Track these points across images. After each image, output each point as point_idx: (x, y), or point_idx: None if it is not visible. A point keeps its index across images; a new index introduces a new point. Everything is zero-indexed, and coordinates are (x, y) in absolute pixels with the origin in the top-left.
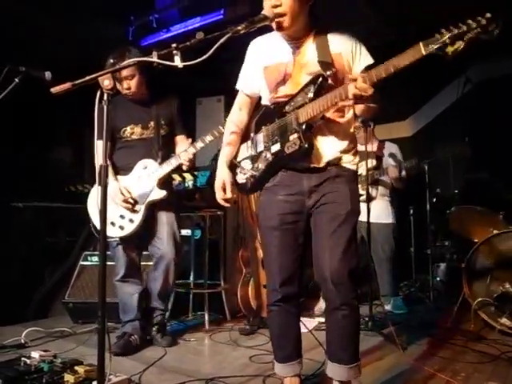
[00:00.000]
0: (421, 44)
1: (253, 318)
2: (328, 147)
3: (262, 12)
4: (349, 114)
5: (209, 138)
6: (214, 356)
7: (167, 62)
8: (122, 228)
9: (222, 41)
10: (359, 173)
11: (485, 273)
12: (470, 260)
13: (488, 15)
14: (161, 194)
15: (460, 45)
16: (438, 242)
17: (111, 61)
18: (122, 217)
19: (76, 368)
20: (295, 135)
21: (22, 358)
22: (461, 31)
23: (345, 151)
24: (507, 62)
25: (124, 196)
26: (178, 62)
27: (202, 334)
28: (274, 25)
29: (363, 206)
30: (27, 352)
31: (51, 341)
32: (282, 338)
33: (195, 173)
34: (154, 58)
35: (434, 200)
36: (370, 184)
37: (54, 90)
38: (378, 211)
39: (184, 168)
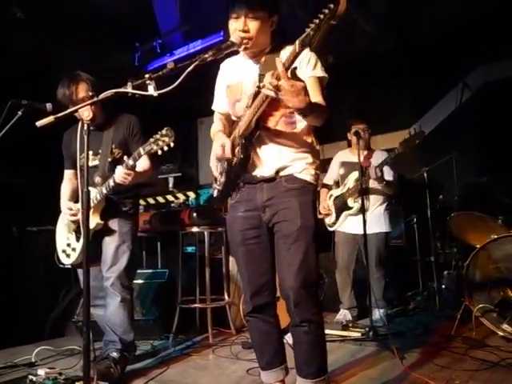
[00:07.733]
0: (297, 41)
1: None
2: (275, 157)
3: (230, 39)
4: (301, 124)
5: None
6: (214, 370)
7: (142, 92)
8: (68, 256)
9: (189, 69)
10: (349, 186)
11: (485, 279)
12: (470, 266)
13: None
14: (93, 222)
15: (318, 34)
16: (447, 248)
17: (66, 91)
18: (68, 245)
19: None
20: (238, 148)
21: (29, 376)
22: (321, 20)
23: (296, 159)
24: (505, 65)
25: (72, 209)
26: (151, 90)
27: (205, 348)
28: (241, 47)
29: (354, 219)
30: (35, 370)
31: (61, 359)
32: (261, 345)
33: (198, 191)
34: (129, 89)
35: (438, 206)
36: (360, 196)
37: (38, 123)
38: (369, 222)
39: (126, 182)
